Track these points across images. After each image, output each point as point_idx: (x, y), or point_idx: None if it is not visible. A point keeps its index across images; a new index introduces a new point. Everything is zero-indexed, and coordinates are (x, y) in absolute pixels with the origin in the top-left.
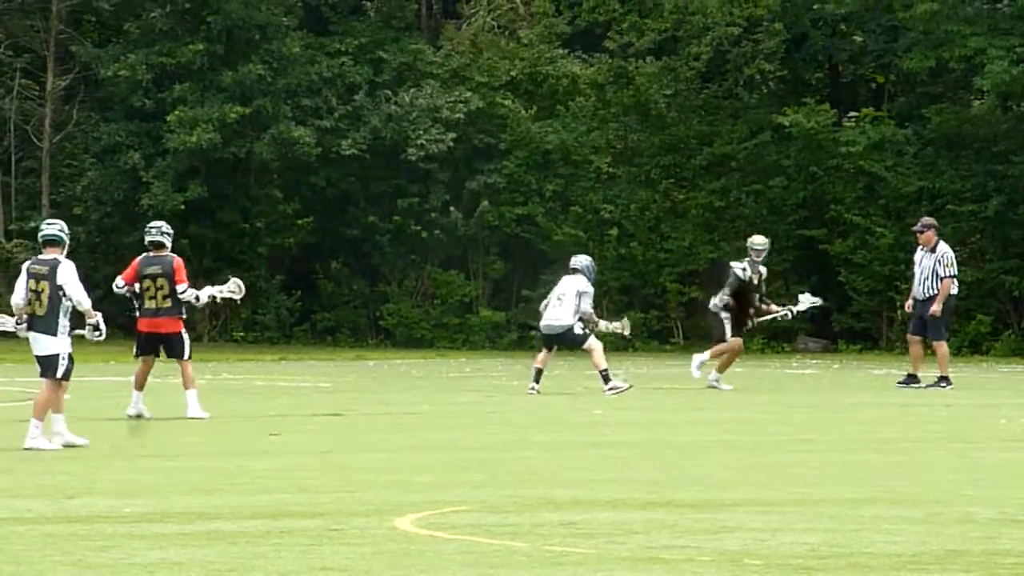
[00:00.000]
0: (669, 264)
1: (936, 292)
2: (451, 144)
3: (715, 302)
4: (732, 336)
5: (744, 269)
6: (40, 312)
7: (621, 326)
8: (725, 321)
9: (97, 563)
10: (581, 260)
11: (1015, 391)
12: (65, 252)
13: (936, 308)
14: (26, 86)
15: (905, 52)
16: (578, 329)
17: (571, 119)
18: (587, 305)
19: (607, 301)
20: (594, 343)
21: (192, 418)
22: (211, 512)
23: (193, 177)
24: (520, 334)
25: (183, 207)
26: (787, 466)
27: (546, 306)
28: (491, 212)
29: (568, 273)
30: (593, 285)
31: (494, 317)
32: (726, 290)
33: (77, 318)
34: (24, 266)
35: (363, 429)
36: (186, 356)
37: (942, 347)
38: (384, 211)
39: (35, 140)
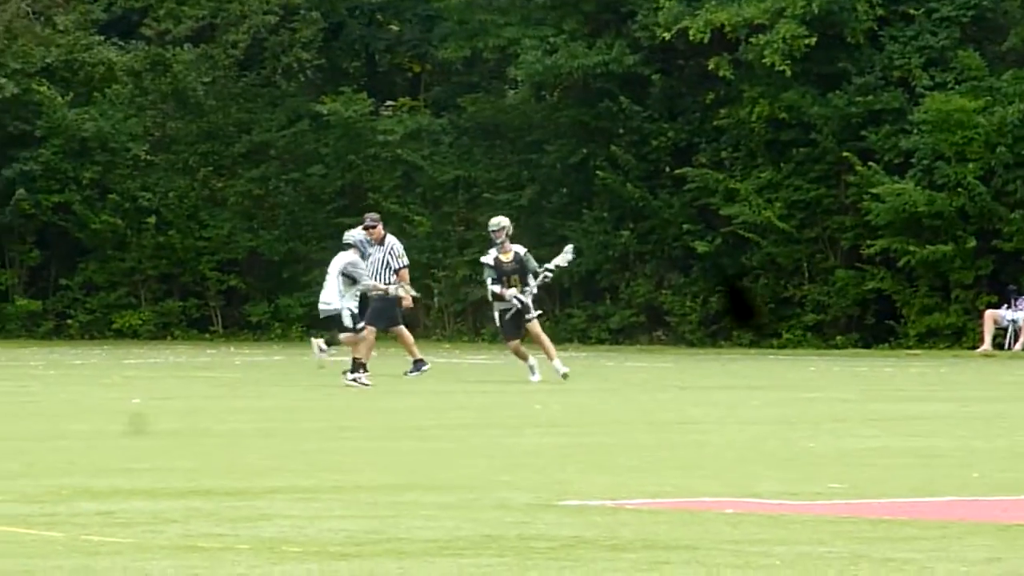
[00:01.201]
0: (208, 252)
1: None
2: None
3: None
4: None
5: (490, 256)
6: None
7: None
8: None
9: None
10: (353, 234)
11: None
12: None
13: (408, 302)
14: None
15: (441, 41)
16: (347, 318)
17: (108, 106)
18: (366, 279)
19: (144, 290)
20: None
21: None
22: None
23: None
24: (57, 323)
25: None
26: (325, 453)
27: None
28: (27, 200)
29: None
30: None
31: (31, 306)
32: (488, 282)
33: None
34: None
35: None
36: None
37: (404, 332)
38: None
39: None
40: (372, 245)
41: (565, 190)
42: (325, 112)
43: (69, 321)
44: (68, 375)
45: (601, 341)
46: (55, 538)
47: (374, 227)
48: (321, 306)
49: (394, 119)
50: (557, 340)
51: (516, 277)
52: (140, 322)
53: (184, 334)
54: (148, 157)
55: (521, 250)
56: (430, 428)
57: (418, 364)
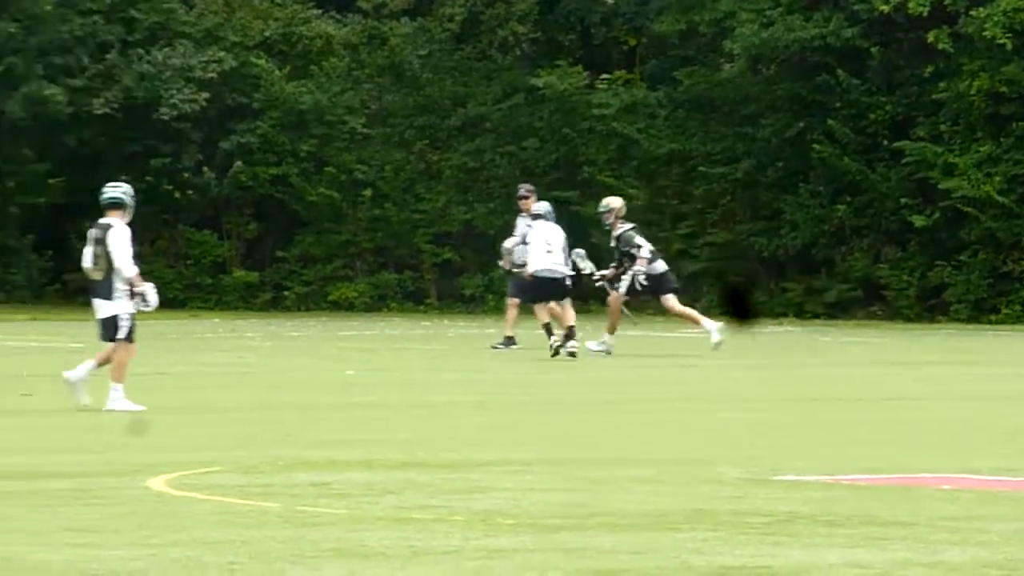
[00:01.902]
0: (423, 225)
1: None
2: (204, 104)
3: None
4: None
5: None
6: (98, 276)
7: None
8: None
9: None
10: (544, 206)
11: (764, 351)
12: (127, 217)
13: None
14: None
15: (657, 15)
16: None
17: (325, 79)
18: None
19: (360, 262)
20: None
21: None
22: None
23: None
24: (274, 294)
25: None
26: (537, 426)
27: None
28: (244, 172)
29: (534, 219)
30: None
31: (247, 277)
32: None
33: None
34: (89, 231)
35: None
36: None
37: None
38: (136, 171)
39: None
40: (525, 216)
41: (781, 164)
42: (540, 85)
43: (286, 293)
44: (284, 347)
45: (817, 315)
46: (271, 509)
47: (527, 198)
48: (550, 267)
49: (609, 92)
50: (772, 314)
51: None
52: (356, 294)
53: (399, 306)
54: (364, 130)
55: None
56: (642, 402)
57: (509, 341)
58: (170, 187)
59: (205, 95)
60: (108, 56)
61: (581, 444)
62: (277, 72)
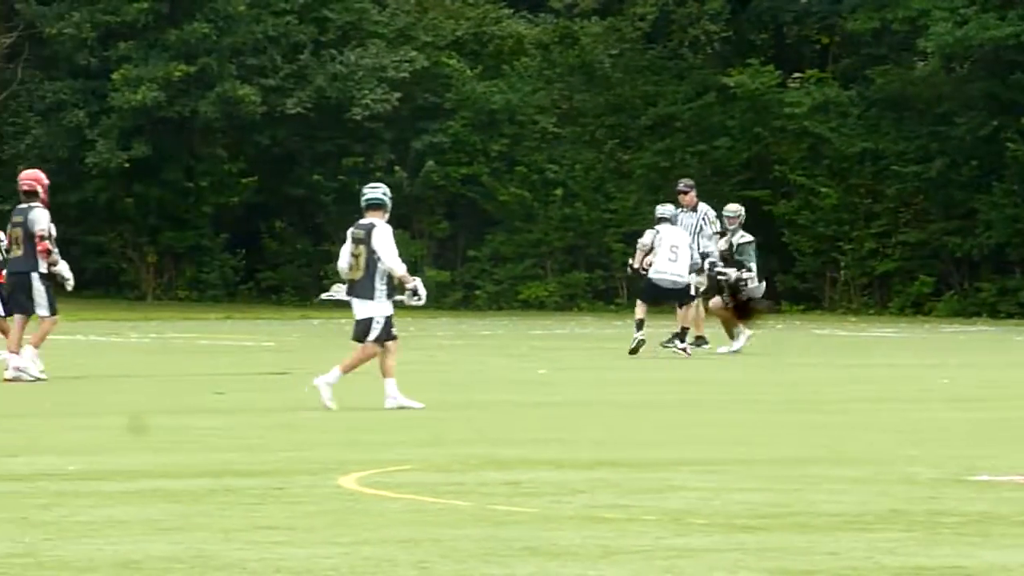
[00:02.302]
0: (614, 224)
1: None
2: (396, 103)
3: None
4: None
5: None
6: (357, 276)
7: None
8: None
9: (41, 521)
10: (669, 208)
11: (957, 351)
12: (386, 217)
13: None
14: None
15: (850, 13)
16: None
17: (516, 79)
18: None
19: (551, 262)
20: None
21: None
22: (156, 470)
23: (138, 135)
24: (465, 293)
25: (127, 165)
26: (730, 426)
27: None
28: (436, 172)
29: (657, 223)
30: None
31: (439, 277)
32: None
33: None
34: (349, 231)
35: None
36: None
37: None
38: (328, 170)
39: None
40: (685, 211)
41: (975, 162)
42: (732, 84)
43: (477, 292)
44: (475, 345)
45: (1011, 315)
46: (462, 507)
47: (687, 192)
48: (672, 278)
49: (801, 91)
50: (965, 314)
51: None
52: (546, 293)
53: (589, 306)
54: (555, 129)
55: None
56: (835, 401)
57: (684, 335)
58: (362, 187)
59: (397, 95)
60: (301, 56)
61: (774, 444)
62: (468, 72)
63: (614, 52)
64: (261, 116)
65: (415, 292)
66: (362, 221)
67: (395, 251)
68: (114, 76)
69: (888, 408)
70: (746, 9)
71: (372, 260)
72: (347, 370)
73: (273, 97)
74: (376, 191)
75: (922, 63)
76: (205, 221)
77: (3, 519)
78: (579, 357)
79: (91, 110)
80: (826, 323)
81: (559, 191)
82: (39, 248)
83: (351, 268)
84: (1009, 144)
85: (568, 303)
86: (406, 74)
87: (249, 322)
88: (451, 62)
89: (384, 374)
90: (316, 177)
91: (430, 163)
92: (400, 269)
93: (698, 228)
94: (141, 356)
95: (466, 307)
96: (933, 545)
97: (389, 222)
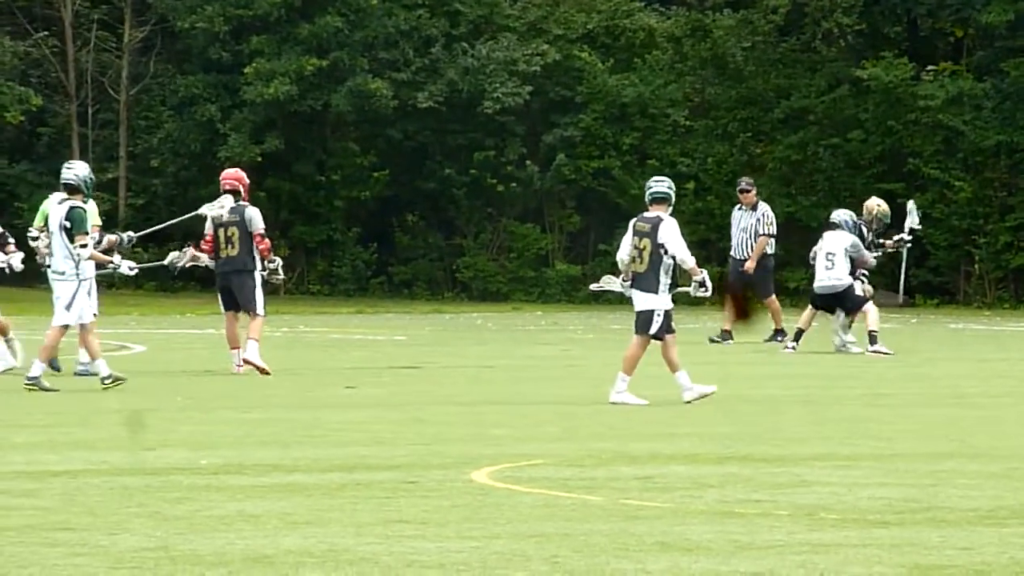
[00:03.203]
0: None
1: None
2: (527, 97)
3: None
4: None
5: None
6: (641, 270)
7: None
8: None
9: (173, 515)
10: (840, 215)
11: None
12: (670, 210)
13: (750, 264)
14: (103, 38)
15: (984, 5)
16: (858, 290)
17: (648, 72)
18: (867, 256)
19: None
20: (870, 306)
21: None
22: (288, 464)
23: (270, 129)
24: None
25: (260, 159)
26: (863, 421)
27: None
28: (567, 165)
29: (828, 229)
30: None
31: (570, 271)
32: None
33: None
34: (631, 223)
35: (439, 382)
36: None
37: (773, 302)
38: (460, 164)
39: (112, 92)
40: (744, 210)
41: None
42: (865, 77)
43: None
44: (607, 339)
45: None
46: (594, 502)
47: (749, 191)
48: (831, 282)
49: (935, 84)
50: None
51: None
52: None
53: (721, 300)
54: (687, 123)
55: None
56: (970, 396)
57: (779, 334)
58: (494, 180)
59: (529, 88)
60: (432, 50)
61: (907, 439)
62: (600, 65)
63: (746, 45)
64: (393, 110)
65: (702, 284)
66: (647, 214)
67: (684, 243)
68: (246, 70)
69: (1023, 402)
70: (879, 2)
71: (657, 254)
72: (629, 370)
73: (405, 91)
74: (661, 184)
75: None
76: (337, 215)
77: (137, 513)
78: (711, 351)
79: (223, 104)
80: (960, 317)
81: (691, 184)
82: (262, 247)
83: (633, 261)
84: None
85: (699, 298)
86: (538, 67)
87: (380, 316)
88: (583, 55)
89: (672, 368)
90: (448, 171)
91: (561, 157)
92: (691, 261)
93: (753, 229)
94: (273, 350)
95: (597, 301)
96: None
97: (524, 214)
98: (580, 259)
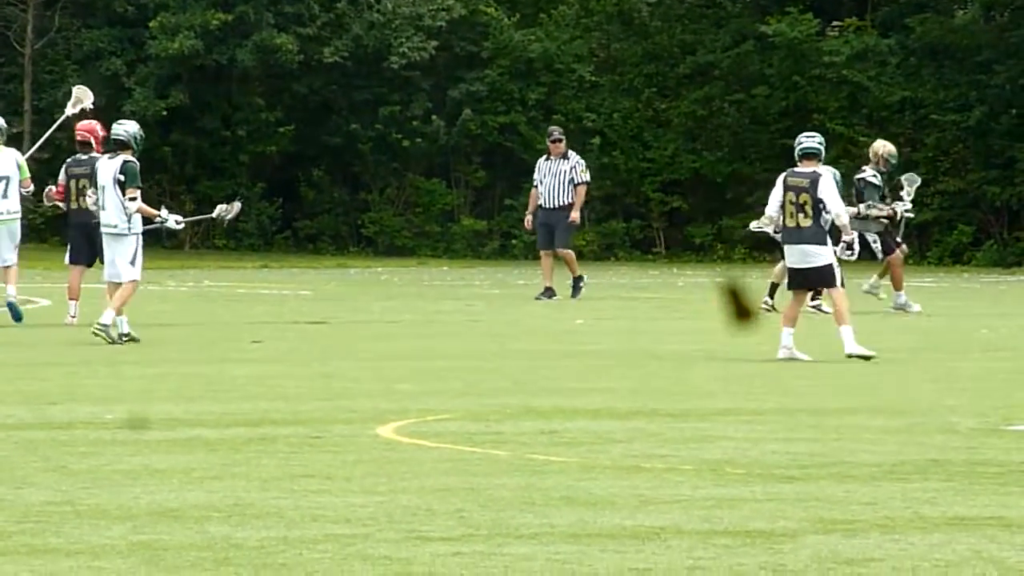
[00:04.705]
0: (651, 173)
1: (573, 200)
2: (433, 52)
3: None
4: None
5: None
6: (806, 223)
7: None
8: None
9: (79, 469)
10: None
11: (997, 301)
12: (821, 162)
13: (575, 215)
14: None
15: None
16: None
17: (554, 27)
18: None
19: (588, 211)
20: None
21: None
22: (192, 419)
23: (175, 84)
24: (502, 243)
25: (165, 114)
26: (768, 376)
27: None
28: (473, 121)
29: None
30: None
31: (476, 226)
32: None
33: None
34: (781, 177)
35: (345, 337)
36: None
37: (570, 254)
38: (366, 119)
39: (16, 46)
40: (554, 159)
41: (1015, 111)
42: (770, 33)
43: (513, 241)
44: (512, 295)
45: None
46: (499, 457)
47: (560, 141)
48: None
49: (840, 39)
50: (1004, 264)
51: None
52: (584, 243)
53: (627, 255)
54: (593, 78)
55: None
56: (877, 351)
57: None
58: (399, 136)
59: (434, 43)
60: (338, 5)
61: (813, 394)
62: (506, 20)
63: (652, 0)
64: (298, 65)
65: (850, 246)
66: (801, 169)
67: (840, 200)
68: (151, 24)
69: (927, 358)
70: None
71: (817, 208)
72: (842, 321)
73: (310, 46)
74: (812, 140)
75: (962, 11)
76: (242, 170)
77: (42, 467)
78: (617, 307)
79: (128, 58)
80: (867, 273)
81: (596, 140)
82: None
83: (791, 216)
84: None
85: (606, 252)
86: (443, 22)
87: (286, 271)
88: (488, 10)
89: (787, 323)
90: (353, 126)
91: (467, 112)
92: (846, 218)
93: (567, 178)
94: (178, 305)
95: (503, 256)
96: (972, 495)
97: (430, 169)
98: (486, 214)
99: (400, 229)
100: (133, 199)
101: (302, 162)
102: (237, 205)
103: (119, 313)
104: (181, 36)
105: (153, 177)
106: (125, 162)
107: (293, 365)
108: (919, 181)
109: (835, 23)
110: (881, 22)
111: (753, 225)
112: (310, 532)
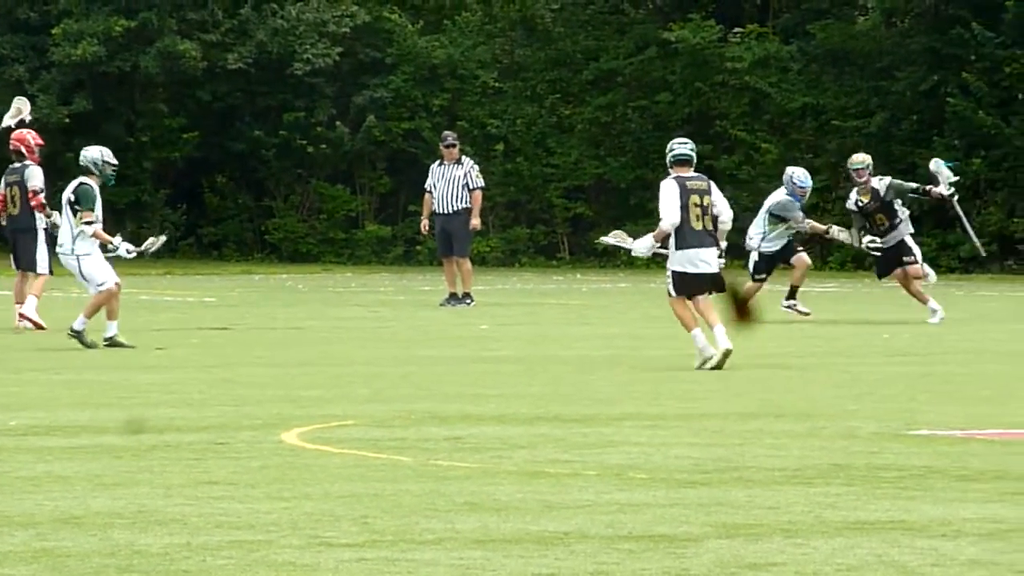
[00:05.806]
0: (555, 179)
1: (468, 205)
2: (337, 59)
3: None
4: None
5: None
6: (710, 227)
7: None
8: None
9: None
10: (789, 172)
11: (896, 306)
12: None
13: (476, 222)
14: None
15: None
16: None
17: (458, 34)
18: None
19: (492, 217)
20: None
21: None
22: (97, 426)
23: (78, 91)
24: (406, 249)
25: (68, 120)
26: (672, 381)
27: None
28: (377, 127)
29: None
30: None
31: (380, 232)
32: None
33: None
34: (676, 182)
35: (249, 344)
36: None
37: (466, 263)
38: (270, 125)
39: None
40: (445, 165)
41: (915, 117)
42: (673, 39)
43: (418, 247)
44: (417, 301)
45: (951, 270)
46: (404, 462)
47: (454, 146)
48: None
49: (742, 46)
50: None
51: (881, 216)
52: (488, 249)
53: (531, 261)
54: (497, 84)
55: (881, 185)
56: (776, 356)
57: (467, 297)
58: (303, 142)
59: (338, 50)
60: (242, 11)
61: (714, 399)
62: (410, 26)
63: (555, 7)
64: (202, 71)
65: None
66: (689, 174)
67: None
68: (54, 31)
69: (828, 363)
70: None
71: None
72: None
73: (214, 52)
74: (685, 147)
75: (863, 18)
76: (146, 177)
77: None
78: (521, 313)
79: (31, 65)
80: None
81: (500, 146)
82: (33, 204)
83: (697, 220)
84: (949, 99)
85: (510, 258)
86: (347, 29)
87: (190, 277)
88: (392, 17)
89: (712, 323)
90: (257, 132)
91: (371, 118)
92: (730, 225)
93: (461, 183)
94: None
95: (407, 262)
96: (873, 499)
97: (334, 175)
98: (390, 220)
99: (304, 235)
100: (89, 223)
101: (206, 168)
102: (163, 238)
103: (90, 317)
104: (84, 43)
105: (56, 184)
106: (79, 184)
107: (197, 371)
108: (942, 163)
109: (737, 30)
110: (783, 28)
111: (606, 240)
112: (214, 538)
